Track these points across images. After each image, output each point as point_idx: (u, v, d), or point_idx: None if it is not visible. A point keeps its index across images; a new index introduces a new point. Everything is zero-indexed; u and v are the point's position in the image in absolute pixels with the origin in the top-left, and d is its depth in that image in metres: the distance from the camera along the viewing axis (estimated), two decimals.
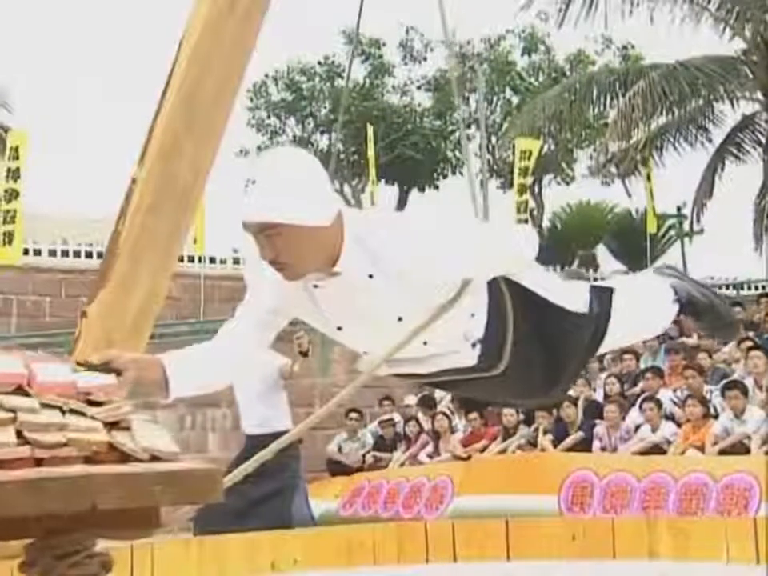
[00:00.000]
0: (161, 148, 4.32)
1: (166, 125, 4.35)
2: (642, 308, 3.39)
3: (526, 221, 16.77)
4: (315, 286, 2.74)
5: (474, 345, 2.93)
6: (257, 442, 7.24)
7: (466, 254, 2.75)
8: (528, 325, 3.00)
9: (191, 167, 4.34)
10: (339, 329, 2.85)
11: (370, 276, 2.68)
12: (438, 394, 13.01)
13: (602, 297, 3.19)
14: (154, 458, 2.27)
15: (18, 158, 14.46)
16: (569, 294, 3.15)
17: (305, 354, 8.31)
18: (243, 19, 4.41)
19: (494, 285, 2.95)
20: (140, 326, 4.48)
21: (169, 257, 4.46)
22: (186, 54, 4.39)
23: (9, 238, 14.23)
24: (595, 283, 3.34)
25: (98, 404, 2.42)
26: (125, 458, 2.25)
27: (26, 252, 15.45)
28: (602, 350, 3.30)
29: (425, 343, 2.86)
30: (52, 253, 15.80)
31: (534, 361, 3.05)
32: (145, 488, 2.07)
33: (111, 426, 2.35)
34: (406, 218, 2.89)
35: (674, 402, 10.48)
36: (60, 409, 2.24)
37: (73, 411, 2.29)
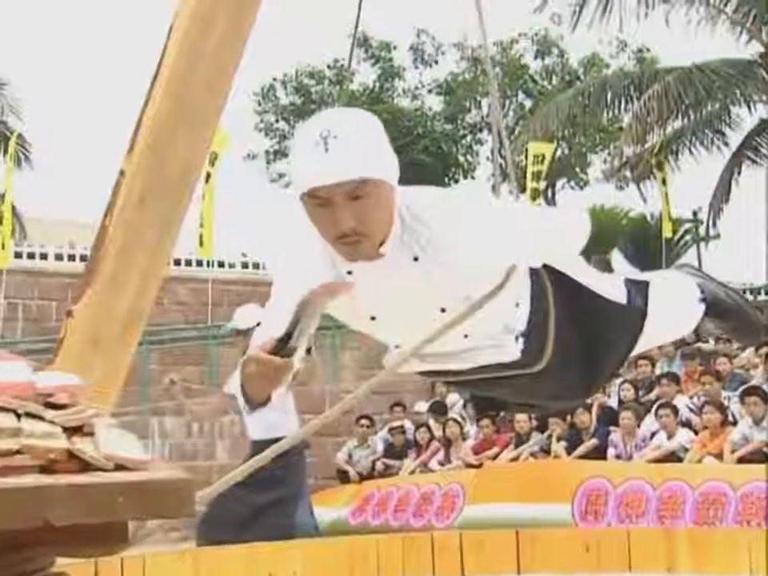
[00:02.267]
0: (150, 139, 4.11)
1: (155, 115, 4.14)
2: (671, 306, 3.14)
3: None
4: (349, 272, 2.47)
5: (517, 338, 2.69)
6: (262, 448, 7.02)
7: (516, 237, 2.52)
8: (569, 316, 2.77)
9: (182, 159, 4.14)
10: (373, 318, 2.58)
11: (415, 259, 2.42)
12: (450, 400, 12.94)
13: (640, 289, 2.97)
14: (120, 468, 2.07)
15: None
16: (607, 284, 2.92)
17: (308, 352, 8.10)
18: (237, 7, 4.21)
19: (535, 272, 2.72)
20: (130, 327, 4.27)
21: (160, 253, 4.26)
22: (175, 41, 4.18)
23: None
24: (630, 276, 3.09)
25: (61, 407, 2.21)
26: (85, 467, 2.06)
27: (31, 256, 15.37)
28: (635, 351, 3.07)
29: (465, 336, 2.62)
30: (58, 257, 15.67)
31: (574, 356, 2.81)
32: (105, 501, 1.89)
33: (72, 431, 2.15)
34: (455, 195, 2.59)
35: (691, 409, 10.37)
36: (15, 412, 2.05)
37: (29, 415, 2.11)
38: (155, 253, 4.16)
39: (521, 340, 2.68)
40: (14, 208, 17.18)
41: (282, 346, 2.27)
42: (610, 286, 2.92)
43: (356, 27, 6.75)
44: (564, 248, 2.73)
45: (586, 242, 2.76)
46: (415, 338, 2.55)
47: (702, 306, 3.24)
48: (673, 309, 3.16)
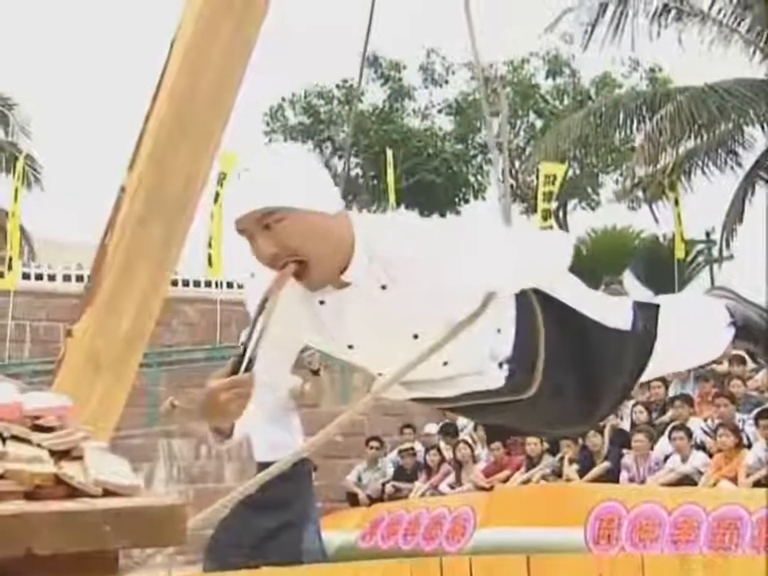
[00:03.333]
0: (151, 154, 4.04)
1: (157, 129, 4.07)
2: (693, 330, 3.04)
3: None
4: (321, 302, 2.44)
5: (501, 365, 2.61)
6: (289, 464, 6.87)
7: (491, 261, 2.45)
8: (562, 342, 2.69)
9: (185, 174, 4.06)
10: (350, 347, 2.54)
11: (383, 287, 2.39)
12: (461, 422, 12.87)
13: (647, 314, 2.87)
14: (109, 494, 1.97)
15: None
16: (608, 309, 2.83)
17: (316, 373, 8.00)
18: (241, 18, 4.14)
19: (522, 297, 2.64)
20: (131, 347, 4.20)
21: (161, 271, 4.18)
22: (178, 54, 4.11)
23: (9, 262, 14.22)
24: (639, 299, 2.99)
25: (48, 429, 2.12)
26: (73, 493, 1.96)
27: (39, 277, 15.34)
28: (650, 376, 2.97)
29: (445, 363, 2.56)
30: (66, 278, 15.64)
31: (569, 383, 2.73)
32: (92, 529, 1.80)
33: (60, 455, 2.06)
34: (423, 222, 2.54)
35: (705, 432, 10.27)
36: None
37: (15, 438, 2.01)
38: (156, 271, 4.08)
39: (505, 366, 2.62)
40: (23, 229, 17.17)
41: (240, 361, 2.23)
42: (610, 309, 2.83)
43: (365, 47, 6.70)
44: (544, 272, 2.66)
45: (569, 264, 2.68)
46: (394, 366, 2.52)
47: (731, 330, 3.13)
48: (695, 333, 3.06)
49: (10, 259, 14.85)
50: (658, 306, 2.91)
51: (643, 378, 2.96)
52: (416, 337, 2.47)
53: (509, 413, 2.80)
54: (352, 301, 2.41)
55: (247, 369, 2.24)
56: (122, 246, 3.97)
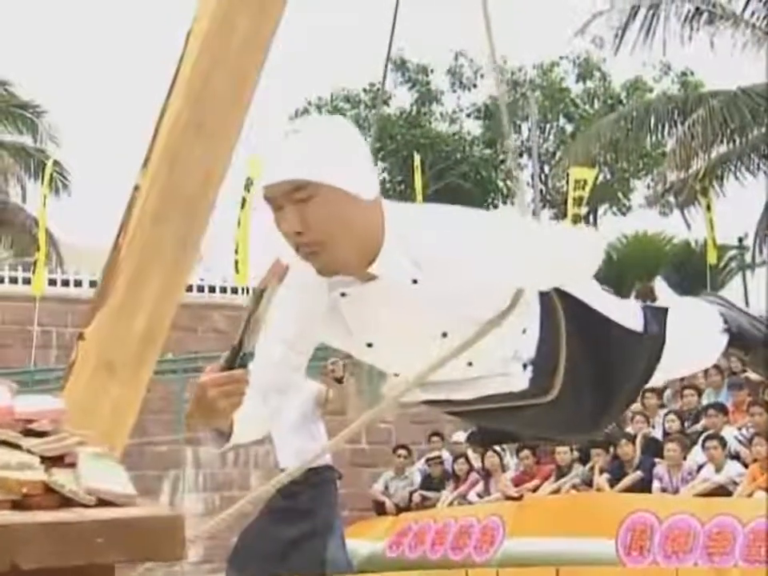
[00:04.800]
0: (166, 151, 3.92)
1: (172, 126, 3.95)
2: (690, 335, 2.95)
3: None
4: (343, 295, 2.31)
5: (525, 366, 2.51)
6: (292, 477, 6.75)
7: (522, 257, 2.34)
8: (582, 343, 2.60)
9: (201, 172, 3.95)
10: (369, 345, 2.41)
11: (414, 281, 2.26)
12: None
13: (657, 317, 2.79)
14: (103, 503, 1.83)
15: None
16: (622, 311, 2.74)
17: (339, 381, 7.92)
18: (259, 10, 4.02)
19: (545, 296, 2.54)
20: (145, 351, 4.08)
21: (177, 273, 4.06)
22: (193, 48, 4.00)
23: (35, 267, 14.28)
24: (648, 304, 2.96)
25: (41, 434, 2.01)
26: (64, 502, 1.86)
27: (65, 283, 15.35)
28: (652, 382, 2.87)
29: (469, 364, 2.45)
30: (93, 284, 15.62)
31: (587, 386, 2.64)
32: (82, 541, 1.68)
33: (52, 461, 1.94)
34: (457, 213, 2.41)
35: (740, 441, 10.16)
36: None
37: (3, 443, 1.90)
38: (172, 272, 3.96)
39: (529, 368, 2.52)
40: (50, 235, 17.20)
41: (235, 356, 2.10)
42: (624, 311, 2.75)
43: (389, 49, 6.59)
44: (575, 271, 2.55)
45: (600, 264, 2.57)
46: (415, 366, 2.41)
47: (725, 337, 3.06)
48: (694, 339, 2.99)
49: (37, 265, 14.88)
50: (666, 309, 2.83)
51: (647, 385, 2.90)
52: (445, 335, 2.37)
53: (524, 417, 2.71)
54: (377, 295, 2.28)
55: (242, 365, 2.10)
56: (135, 245, 3.86)
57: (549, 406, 2.59)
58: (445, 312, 2.32)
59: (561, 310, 2.56)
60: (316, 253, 2.20)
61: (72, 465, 1.89)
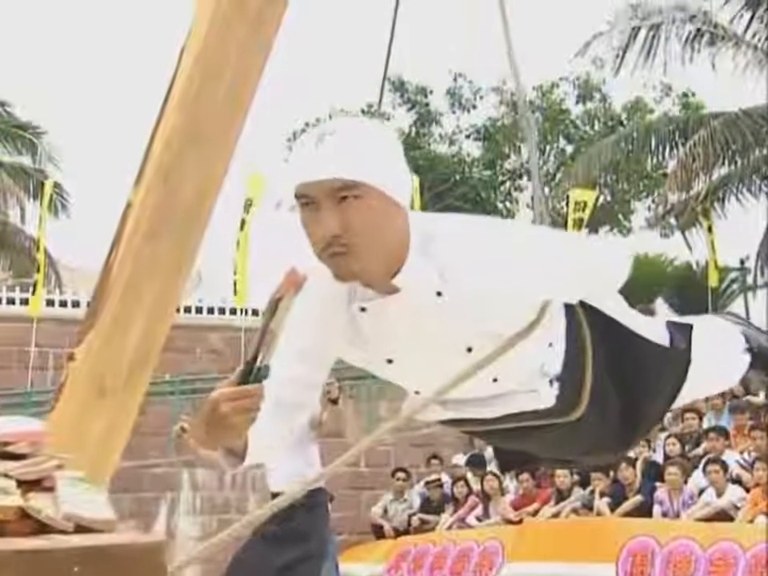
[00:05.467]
0: (160, 167, 3.85)
1: (166, 141, 3.87)
2: (715, 355, 2.83)
3: None
4: (362, 309, 2.21)
5: (551, 382, 2.40)
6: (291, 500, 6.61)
7: (549, 267, 2.23)
8: (608, 358, 2.49)
9: (196, 188, 3.87)
10: (390, 362, 2.31)
11: (438, 294, 2.16)
12: (489, 453, 12.75)
13: (682, 334, 2.68)
14: (81, 530, 1.76)
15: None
16: (648, 326, 2.64)
17: (335, 402, 7.82)
18: (255, 21, 3.95)
19: (570, 310, 2.44)
20: (137, 371, 4.00)
21: (170, 291, 3.98)
22: (188, 61, 3.92)
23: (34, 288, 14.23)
24: (672, 319, 2.81)
25: (19, 457, 1.94)
26: (41, 528, 1.79)
27: (63, 304, 15.28)
28: (678, 402, 2.76)
29: (495, 380, 2.34)
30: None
31: (614, 404, 2.53)
32: (59, 569, 1.63)
33: (29, 486, 1.87)
34: (481, 222, 2.32)
35: (741, 465, 10.09)
36: None
37: None
38: (165, 291, 3.88)
39: (555, 384, 2.40)
40: (49, 256, 17.16)
41: (249, 371, 1.97)
42: (649, 326, 2.64)
43: (386, 69, 6.53)
44: (603, 283, 2.43)
45: (625, 280, 2.46)
46: (437, 383, 2.28)
47: (748, 357, 2.96)
48: (717, 358, 2.87)
49: (35, 286, 14.83)
50: (691, 326, 2.72)
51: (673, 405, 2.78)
52: (470, 350, 2.26)
53: (549, 437, 2.59)
54: (399, 309, 2.18)
55: (257, 379, 1.98)
56: (127, 263, 3.78)
57: (574, 424, 2.49)
58: (470, 326, 2.22)
59: (586, 323, 2.47)
60: (344, 254, 2.08)
61: (50, 489, 1.83)
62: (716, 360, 2.86)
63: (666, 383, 2.62)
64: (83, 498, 1.89)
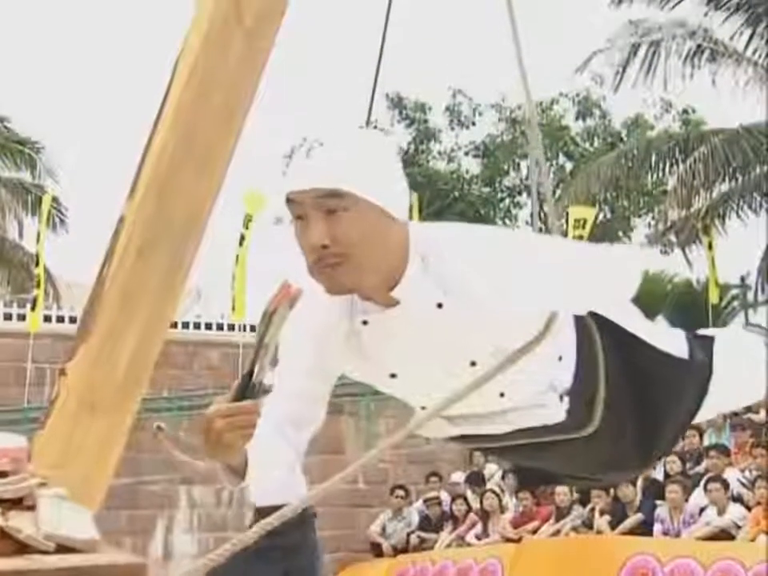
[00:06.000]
0: (153, 181, 3.80)
1: (160, 154, 3.82)
2: (738, 367, 2.74)
3: None
4: (364, 323, 2.16)
5: (561, 397, 2.34)
6: (266, 516, 6.43)
7: (556, 278, 2.17)
8: (623, 371, 2.43)
9: (190, 202, 3.82)
10: (393, 376, 2.26)
11: (439, 305, 2.11)
12: (488, 470, 12.71)
13: (703, 346, 2.62)
14: (62, 549, 1.73)
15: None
16: (665, 337, 2.56)
17: None
18: (251, 35, 3.90)
19: (581, 321, 2.38)
20: (129, 387, 3.94)
21: (164, 306, 3.93)
22: (182, 74, 3.87)
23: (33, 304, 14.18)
24: (693, 332, 2.75)
25: (0, 475, 1.89)
26: (21, 548, 1.73)
27: (60, 320, 15.22)
28: (701, 417, 2.69)
29: (501, 395, 2.29)
30: None
31: (629, 419, 2.47)
32: None
33: (10, 504, 1.82)
34: (484, 232, 2.27)
35: (742, 483, 10.03)
36: None
37: None
38: (158, 306, 3.82)
39: (566, 399, 2.34)
40: (48, 271, 17.11)
41: (246, 386, 1.93)
42: (666, 338, 2.56)
43: (374, 85, 6.48)
44: (614, 294, 2.37)
45: (639, 283, 2.38)
46: (442, 398, 2.21)
47: None
48: (742, 371, 2.76)
49: (35, 301, 14.79)
50: (713, 338, 2.66)
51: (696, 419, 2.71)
52: (473, 364, 2.21)
53: (560, 454, 2.53)
54: (400, 322, 2.14)
55: (253, 395, 1.94)
56: (119, 278, 3.73)
57: (587, 440, 2.43)
58: (473, 339, 2.17)
59: (598, 335, 2.41)
60: (336, 265, 2.05)
61: (31, 508, 1.80)
62: (741, 373, 2.76)
63: (685, 397, 2.55)
64: (65, 517, 1.85)
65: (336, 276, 2.05)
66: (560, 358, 2.33)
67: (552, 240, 2.51)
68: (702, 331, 2.78)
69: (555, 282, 2.17)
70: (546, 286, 2.15)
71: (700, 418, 2.69)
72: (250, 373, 1.93)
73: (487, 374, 2.18)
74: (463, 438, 2.50)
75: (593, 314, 2.38)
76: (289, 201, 2.06)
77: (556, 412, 2.34)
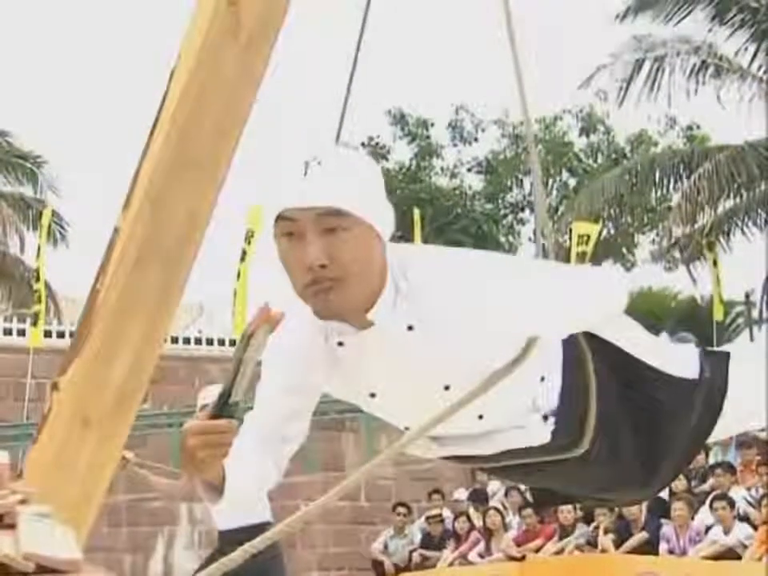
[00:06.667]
0: (149, 192, 3.74)
1: (155, 166, 3.77)
2: (757, 384, 2.63)
3: None
4: (340, 344, 2.14)
5: (545, 417, 2.31)
6: (231, 539, 6.19)
7: (535, 301, 2.15)
8: (618, 393, 2.39)
9: (186, 215, 3.76)
10: (372, 396, 2.24)
11: (410, 328, 2.10)
12: (491, 488, 12.67)
13: (717, 363, 2.54)
14: (43, 569, 1.65)
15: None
16: (671, 357, 2.50)
17: None
18: (248, 45, 3.85)
19: (570, 340, 2.33)
20: (123, 402, 3.87)
21: (159, 320, 3.87)
22: (178, 85, 3.82)
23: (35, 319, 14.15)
24: (707, 348, 2.66)
25: None
26: (1, 568, 1.67)
27: (60, 335, 15.20)
28: (716, 436, 2.62)
29: (480, 417, 2.26)
30: None
31: (627, 441, 2.42)
32: None
33: None
34: (460, 255, 2.25)
35: (749, 502, 10.00)
36: None
37: None
38: (153, 319, 3.76)
39: (551, 420, 2.31)
40: (48, 287, 17.08)
41: (223, 405, 1.90)
42: (677, 355, 2.51)
43: (345, 102, 6.46)
44: (599, 314, 2.32)
45: (625, 305, 2.35)
46: (421, 419, 2.21)
47: None
48: (757, 389, 2.65)
49: (36, 316, 14.76)
50: (728, 354, 2.58)
51: (710, 439, 2.64)
52: (447, 388, 2.18)
53: (556, 474, 2.49)
54: (375, 343, 2.11)
55: (230, 414, 1.92)
56: (114, 290, 3.67)
57: (580, 462, 2.39)
58: (447, 363, 2.15)
59: (589, 355, 2.36)
60: (329, 290, 2.02)
61: (11, 526, 1.74)
62: (756, 391, 2.65)
63: (691, 418, 2.49)
64: (46, 535, 1.79)
65: (330, 300, 2.03)
66: (542, 378, 2.31)
67: (530, 264, 2.48)
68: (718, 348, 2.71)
69: (532, 305, 2.15)
70: (522, 309, 2.13)
71: (719, 435, 2.62)
72: (227, 392, 1.91)
73: (465, 398, 2.17)
74: (457, 458, 2.47)
75: (588, 335, 2.35)
76: (282, 218, 2.02)
77: (538, 433, 2.32)
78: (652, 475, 2.52)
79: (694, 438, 2.54)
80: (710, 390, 2.49)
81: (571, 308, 2.25)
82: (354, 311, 2.08)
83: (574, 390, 2.33)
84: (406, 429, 2.34)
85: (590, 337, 2.36)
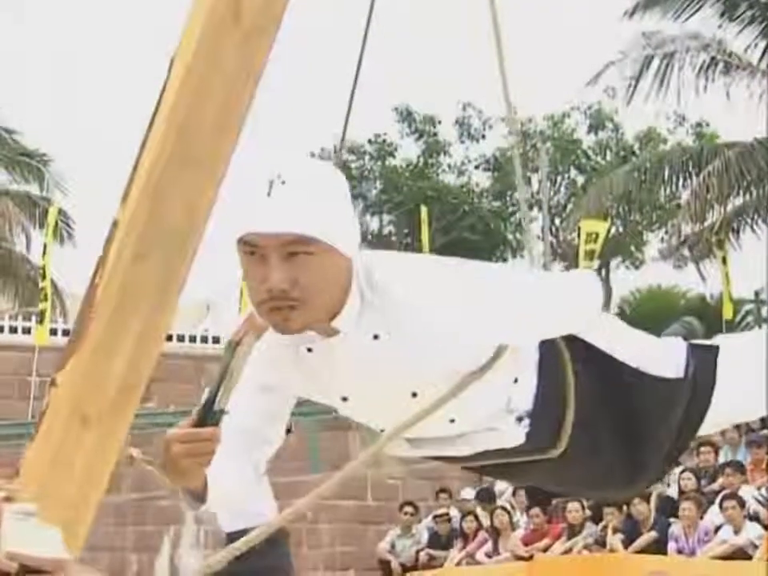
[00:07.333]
0: (148, 185, 3.67)
1: (155, 158, 3.70)
2: (749, 376, 2.60)
3: None
4: (309, 350, 2.14)
5: (520, 419, 2.31)
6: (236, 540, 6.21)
7: (501, 310, 2.14)
8: (597, 393, 2.38)
9: (186, 207, 3.70)
10: (344, 399, 2.26)
11: (375, 337, 2.11)
12: (499, 487, 12.66)
13: (704, 358, 2.52)
14: (26, 570, 1.63)
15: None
16: (655, 353, 2.49)
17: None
18: (249, 35, 3.79)
19: (546, 342, 2.33)
20: (123, 399, 3.80)
21: (159, 316, 3.79)
22: (178, 75, 3.76)
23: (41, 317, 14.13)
24: (695, 341, 2.65)
25: None
26: None
27: (66, 333, 15.16)
28: (707, 431, 2.61)
29: (452, 420, 2.27)
30: None
31: (607, 441, 2.42)
32: None
33: None
34: (426, 263, 2.26)
35: (759, 501, 9.97)
36: None
37: None
38: (153, 315, 3.69)
39: (525, 421, 2.31)
40: (55, 285, 17.08)
41: (207, 412, 1.93)
42: (656, 353, 2.49)
43: (353, 94, 6.43)
44: (568, 320, 2.31)
45: (600, 306, 2.35)
46: (394, 423, 2.23)
47: None
48: (749, 380, 2.61)
49: (42, 314, 14.76)
50: (717, 347, 2.56)
51: (700, 433, 2.61)
52: (414, 395, 2.20)
53: (536, 473, 2.52)
54: (342, 351, 2.13)
55: (215, 421, 1.93)
56: (113, 285, 3.59)
57: (559, 461, 2.38)
58: (413, 371, 2.16)
59: (567, 355, 2.35)
60: (292, 309, 2.00)
61: None
62: (748, 383, 2.61)
63: (673, 417, 2.46)
64: (31, 534, 1.73)
65: (290, 318, 2.01)
66: (516, 380, 2.30)
67: (500, 271, 2.48)
68: (711, 340, 2.68)
69: (501, 312, 2.14)
70: (491, 318, 2.13)
71: (709, 430, 2.62)
72: (212, 400, 1.93)
73: (434, 403, 2.18)
74: (437, 458, 2.49)
75: (565, 336, 2.33)
76: (244, 241, 2.01)
77: (512, 435, 2.33)
78: (636, 473, 2.51)
79: (682, 434, 2.51)
80: (698, 387, 2.47)
81: (542, 315, 2.24)
82: (317, 323, 2.07)
83: (550, 390, 2.33)
84: (382, 431, 2.33)
85: (568, 337, 2.35)
